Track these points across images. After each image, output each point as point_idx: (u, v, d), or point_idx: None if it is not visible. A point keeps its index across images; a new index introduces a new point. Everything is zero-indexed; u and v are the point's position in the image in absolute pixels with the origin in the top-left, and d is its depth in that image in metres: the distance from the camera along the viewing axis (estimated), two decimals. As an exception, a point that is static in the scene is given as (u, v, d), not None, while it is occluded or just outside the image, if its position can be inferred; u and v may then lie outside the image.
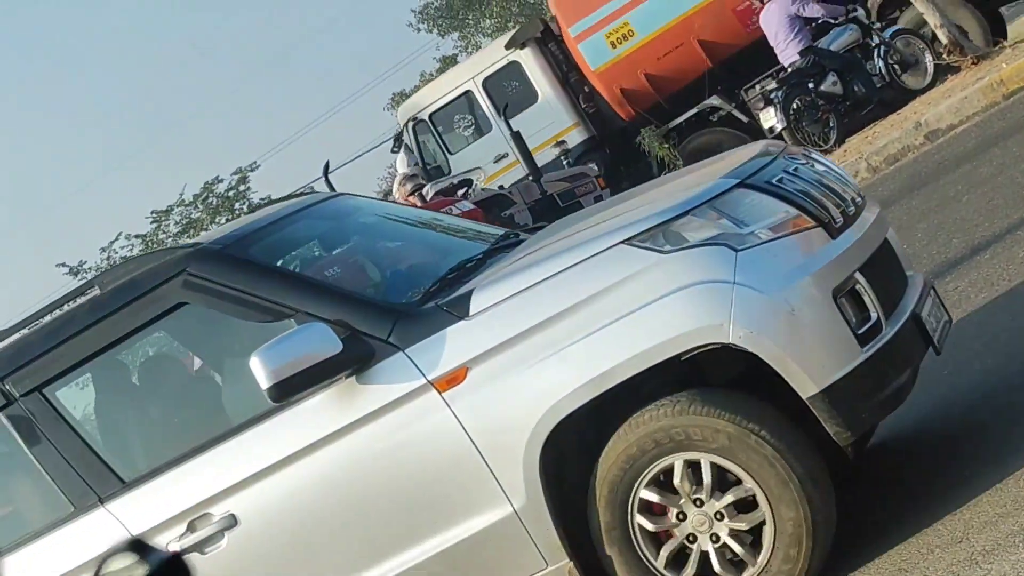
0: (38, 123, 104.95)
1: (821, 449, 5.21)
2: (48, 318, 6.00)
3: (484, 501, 5.25)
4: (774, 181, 5.43)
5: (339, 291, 5.60)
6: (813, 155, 6.04)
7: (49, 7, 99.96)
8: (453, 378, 5.23)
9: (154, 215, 35.69)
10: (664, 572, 5.23)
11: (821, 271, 5.15)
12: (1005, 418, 5.96)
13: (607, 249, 5.18)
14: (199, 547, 5.45)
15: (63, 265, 35.08)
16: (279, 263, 5.93)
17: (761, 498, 5.08)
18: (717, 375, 5.38)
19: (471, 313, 5.24)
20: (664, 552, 5.22)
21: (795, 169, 5.59)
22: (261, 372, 5.16)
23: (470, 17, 49.96)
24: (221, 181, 36.72)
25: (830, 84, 16.24)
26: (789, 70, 16.52)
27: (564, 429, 5.18)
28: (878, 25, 16.67)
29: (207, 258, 5.61)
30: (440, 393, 5.23)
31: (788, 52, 16.58)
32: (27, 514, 5.98)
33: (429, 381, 5.24)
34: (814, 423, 5.15)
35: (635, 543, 5.24)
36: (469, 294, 5.30)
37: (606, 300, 5.12)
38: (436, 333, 5.27)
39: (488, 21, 49.26)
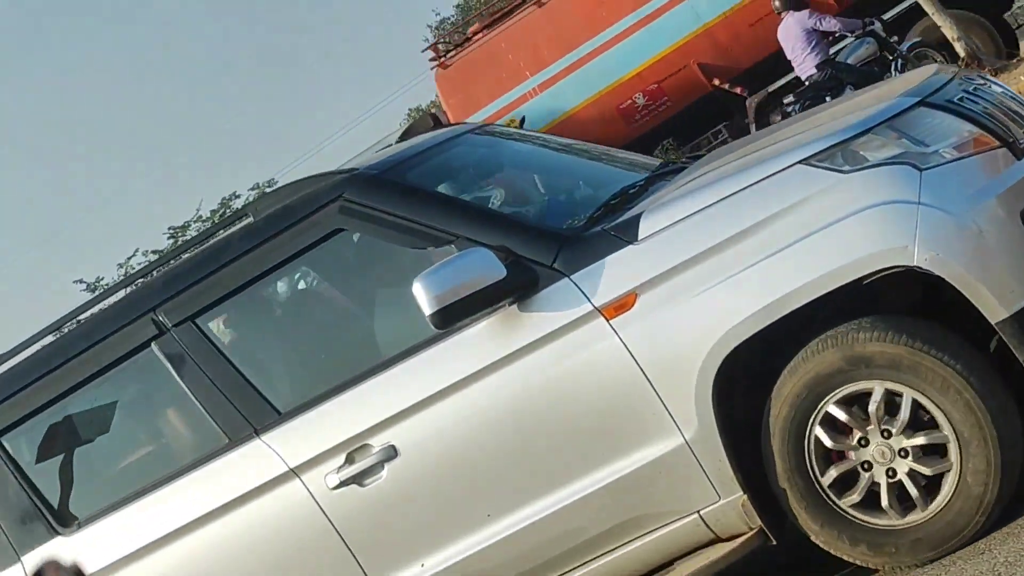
0: (55, 139, 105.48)
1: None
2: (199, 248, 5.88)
3: (654, 432, 5.08)
4: (955, 100, 5.20)
5: (501, 216, 5.45)
6: (987, 76, 5.80)
7: (66, 24, 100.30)
8: (621, 305, 5.06)
9: (171, 231, 35.33)
10: (828, 491, 5.03)
11: (1008, 192, 4.92)
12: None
13: (784, 170, 4.98)
14: (358, 479, 5.32)
15: (80, 281, 34.89)
16: (437, 189, 5.77)
17: (945, 426, 4.87)
18: (893, 302, 5.18)
19: (640, 237, 5.06)
20: (833, 471, 5.02)
21: (974, 89, 5.36)
22: (424, 298, 5.01)
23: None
24: (239, 197, 36.43)
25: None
26: (806, 84, 16.24)
27: (737, 356, 4.99)
28: (895, 38, 16.39)
29: (364, 183, 5.47)
30: (608, 320, 5.06)
31: (805, 66, 16.29)
32: (176, 447, 5.88)
33: (596, 308, 5.08)
34: (994, 354, 4.95)
35: (810, 473, 5.05)
36: (638, 218, 5.12)
37: (783, 223, 4.92)
38: (603, 258, 5.10)
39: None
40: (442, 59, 19.69)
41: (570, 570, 5.28)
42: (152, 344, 5.63)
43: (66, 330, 6.21)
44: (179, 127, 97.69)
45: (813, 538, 5.10)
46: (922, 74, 5.65)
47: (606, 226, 5.21)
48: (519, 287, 5.12)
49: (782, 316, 4.92)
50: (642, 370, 5.04)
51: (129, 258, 35.21)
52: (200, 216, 35.74)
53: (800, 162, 4.97)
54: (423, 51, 20.28)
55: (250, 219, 5.64)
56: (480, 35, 19.59)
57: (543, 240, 5.22)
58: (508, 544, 5.27)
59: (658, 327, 5.02)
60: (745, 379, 5.12)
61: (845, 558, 5.10)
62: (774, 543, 5.14)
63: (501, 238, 5.19)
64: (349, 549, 5.39)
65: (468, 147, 6.22)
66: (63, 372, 5.78)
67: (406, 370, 5.29)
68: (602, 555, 5.25)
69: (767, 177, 4.99)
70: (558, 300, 5.12)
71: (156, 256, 33.30)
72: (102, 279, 34.96)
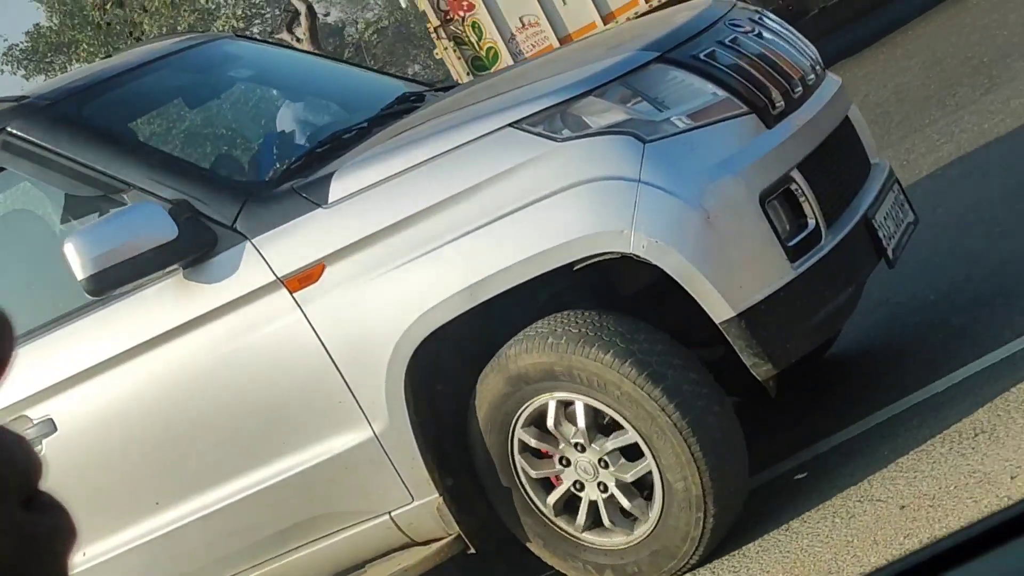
0: None
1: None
2: None
3: (341, 423, 4.44)
4: (702, 56, 4.47)
5: (182, 164, 4.72)
6: (766, 17, 5.06)
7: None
8: (307, 276, 4.39)
9: None
10: (557, 522, 4.50)
11: (748, 169, 4.26)
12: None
13: (491, 133, 4.28)
14: None
15: None
16: (127, 124, 5.03)
17: (626, 426, 4.28)
18: (626, 284, 4.54)
19: (330, 200, 4.38)
20: (551, 499, 4.47)
21: (733, 39, 4.63)
22: (77, 260, 4.32)
23: (58, 61, 47.66)
24: None
25: None
26: None
27: (435, 343, 4.35)
28: None
29: (32, 115, 4.73)
30: (291, 293, 4.40)
31: None
32: None
33: (279, 278, 4.40)
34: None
35: (533, 506, 4.49)
36: (330, 177, 4.43)
37: (488, 194, 4.24)
38: (289, 222, 4.41)
39: (79, 64, 47.12)
40: None
41: (247, 569, 4.68)
42: None
43: None
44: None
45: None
46: (684, 16, 4.90)
47: (296, 184, 4.51)
48: (193, 249, 4.44)
49: (486, 300, 4.28)
50: (328, 352, 4.39)
51: None
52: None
53: (510, 125, 4.27)
54: None
55: None
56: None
57: (227, 195, 4.52)
58: (177, 537, 4.66)
59: (346, 304, 4.36)
60: (446, 369, 4.48)
61: None
62: (472, 551, 4.56)
63: (180, 190, 4.50)
64: None
65: (175, 72, 5.41)
66: None
67: (60, 339, 4.63)
68: (283, 555, 4.65)
69: (473, 140, 4.29)
70: (237, 266, 4.45)
71: None
72: None
